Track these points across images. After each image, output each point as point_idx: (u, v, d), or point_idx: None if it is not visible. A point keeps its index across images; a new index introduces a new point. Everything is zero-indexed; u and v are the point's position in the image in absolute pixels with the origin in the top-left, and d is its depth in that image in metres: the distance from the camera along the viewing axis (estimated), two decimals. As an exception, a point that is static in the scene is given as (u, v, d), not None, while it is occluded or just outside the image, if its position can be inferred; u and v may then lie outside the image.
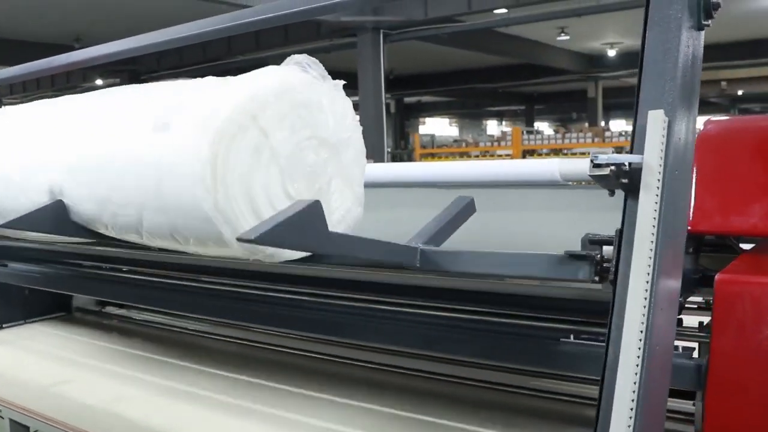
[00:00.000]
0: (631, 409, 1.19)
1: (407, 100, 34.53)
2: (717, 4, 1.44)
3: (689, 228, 1.89)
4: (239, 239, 1.25)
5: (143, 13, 15.26)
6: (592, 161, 1.26)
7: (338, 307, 2.39)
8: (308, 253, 1.54)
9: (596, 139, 16.62)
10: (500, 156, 16.22)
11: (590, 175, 1.27)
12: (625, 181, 1.30)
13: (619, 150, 16.61)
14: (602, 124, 25.90)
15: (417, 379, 2.73)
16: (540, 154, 16.00)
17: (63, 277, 3.53)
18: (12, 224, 1.86)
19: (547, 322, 1.98)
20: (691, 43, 1.42)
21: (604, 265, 1.43)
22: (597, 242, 1.45)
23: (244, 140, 1.47)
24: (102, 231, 1.86)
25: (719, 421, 1.57)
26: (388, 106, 30.45)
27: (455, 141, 28.20)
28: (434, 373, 2.71)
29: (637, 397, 1.20)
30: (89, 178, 1.76)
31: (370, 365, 2.86)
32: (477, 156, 17.03)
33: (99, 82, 23.61)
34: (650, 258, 1.24)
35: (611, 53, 22.88)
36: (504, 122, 43.68)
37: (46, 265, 3.82)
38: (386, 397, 2.56)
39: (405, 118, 35.42)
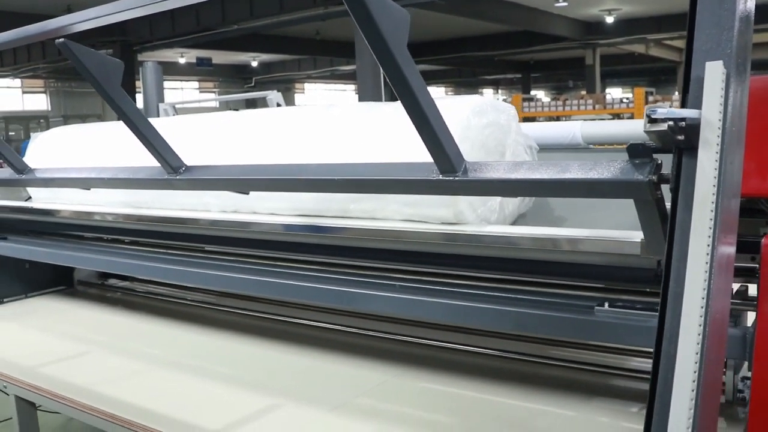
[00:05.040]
0: (694, 381, 1.11)
1: (403, 69, 34.29)
2: None
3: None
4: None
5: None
6: (648, 116, 1.16)
7: (357, 276, 2.31)
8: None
9: (597, 106, 16.41)
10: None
11: (646, 132, 1.18)
12: (681, 138, 1.20)
13: (617, 117, 16.44)
14: (598, 91, 25.71)
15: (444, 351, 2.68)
16: (540, 122, 15.84)
17: (64, 250, 3.44)
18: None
19: (580, 290, 1.90)
20: (746, -10, 1.32)
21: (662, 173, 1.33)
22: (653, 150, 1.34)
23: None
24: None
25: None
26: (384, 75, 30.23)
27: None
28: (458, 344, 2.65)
29: (698, 369, 1.12)
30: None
31: (388, 337, 2.79)
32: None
33: (91, 53, 23.28)
34: (711, 220, 1.16)
35: (609, 20, 22.63)
36: (500, 91, 43.44)
37: (47, 237, 3.74)
38: (403, 369, 2.51)
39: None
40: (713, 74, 1.20)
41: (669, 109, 1.17)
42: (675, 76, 30.68)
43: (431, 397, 2.30)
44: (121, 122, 3.37)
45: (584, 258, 1.83)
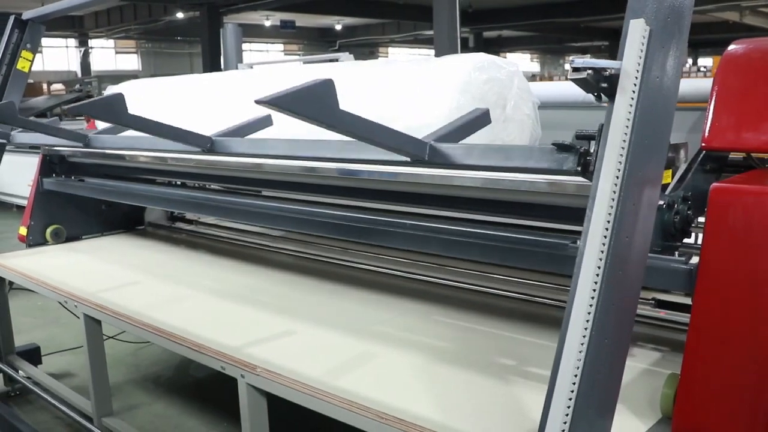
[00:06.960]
0: (594, 290, 1.30)
1: (487, 34, 33.83)
2: None
3: (703, 145, 1.95)
4: (257, 101, 1.41)
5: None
6: (570, 65, 1.35)
7: (371, 215, 2.57)
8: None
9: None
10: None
11: (569, 79, 1.36)
12: (605, 86, 1.39)
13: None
14: (689, 60, 24.83)
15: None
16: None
17: (137, 192, 3.79)
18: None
19: (556, 230, 2.10)
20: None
21: (588, 158, 1.53)
22: (584, 137, 1.54)
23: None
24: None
25: (704, 321, 1.66)
26: (466, 40, 29.87)
27: (533, 76, 27.68)
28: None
29: (600, 282, 1.31)
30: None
31: (412, 277, 3.13)
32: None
33: (180, 15, 24.10)
34: (621, 156, 1.34)
35: (701, -15, 21.81)
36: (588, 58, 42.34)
37: (121, 180, 4.11)
38: (421, 304, 2.80)
39: (484, 53, 34.71)
40: (635, 30, 1.38)
41: (588, 59, 1.35)
42: (772, 46, 29.08)
43: (439, 328, 2.55)
44: (183, 77, 3.73)
45: (561, 200, 2.02)
